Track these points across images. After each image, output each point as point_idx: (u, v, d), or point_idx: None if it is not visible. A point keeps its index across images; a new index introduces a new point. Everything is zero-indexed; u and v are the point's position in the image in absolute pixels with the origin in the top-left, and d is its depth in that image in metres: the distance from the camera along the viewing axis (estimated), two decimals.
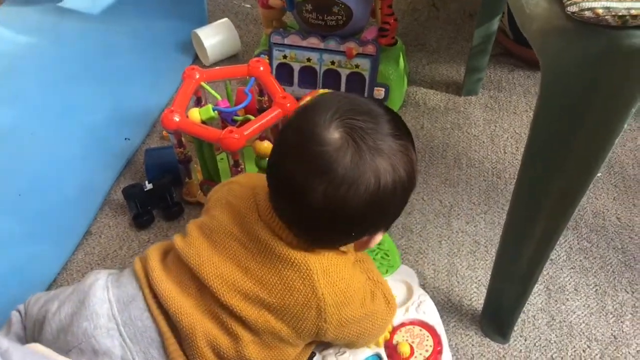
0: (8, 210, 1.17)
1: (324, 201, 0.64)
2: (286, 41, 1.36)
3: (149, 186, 1.15)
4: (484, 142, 1.31)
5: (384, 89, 1.35)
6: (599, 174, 1.23)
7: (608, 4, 0.59)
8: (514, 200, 0.81)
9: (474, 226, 1.15)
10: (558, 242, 1.10)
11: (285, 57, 1.37)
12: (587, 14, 0.60)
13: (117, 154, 1.29)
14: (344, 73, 1.36)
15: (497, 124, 1.36)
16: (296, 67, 1.38)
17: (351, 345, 0.83)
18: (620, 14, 0.59)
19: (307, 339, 0.75)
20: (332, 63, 1.35)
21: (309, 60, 1.37)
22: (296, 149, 0.66)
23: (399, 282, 0.98)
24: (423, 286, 1.04)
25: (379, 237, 0.74)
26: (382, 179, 0.65)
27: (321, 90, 1.22)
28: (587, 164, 0.70)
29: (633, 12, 0.59)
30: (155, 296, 0.73)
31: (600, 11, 0.59)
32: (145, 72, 1.50)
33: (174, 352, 0.71)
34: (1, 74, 1.51)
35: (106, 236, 1.16)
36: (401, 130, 0.69)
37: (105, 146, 1.31)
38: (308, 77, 1.38)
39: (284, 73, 1.40)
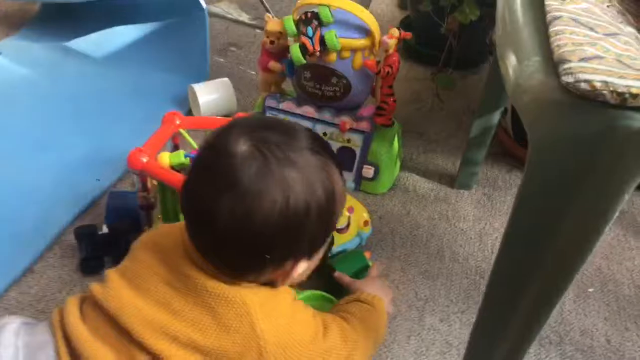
0: None
1: (230, 218, 0.60)
2: (281, 106, 1.32)
3: (104, 230, 1.07)
4: (471, 238, 1.23)
5: (373, 168, 1.29)
6: (590, 289, 1.13)
7: (607, 79, 0.53)
8: (486, 298, 0.72)
9: (448, 325, 1.04)
10: (538, 357, 1.00)
11: None
12: (583, 86, 0.54)
13: (83, 194, 1.22)
14: (335, 146, 1.31)
15: (487, 222, 1.28)
16: None
17: None
18: (619, 90, 0.53)
19: None
20: (324, 134, 1.30)
21: None
22: (203, 166, 0.64)
23: None
24: None
25: (301, 267, 0.67)
26: (292, 194, 0.60)
27: None
28: (571, 258, 0.62)
29: (633, 90, 0.53)
30: (69, 344, 0.65)
31: (597, 84, 0.53)
32: (134, 118, 1.46)
33: None
34: None
35: (48, 277, 1.06)
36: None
37: (73, 184, 1.25)
38: None
39: None
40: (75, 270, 1.07)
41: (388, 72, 1.22)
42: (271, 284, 0.69)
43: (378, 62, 1.23)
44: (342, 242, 1.10)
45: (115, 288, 0.67)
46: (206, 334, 0.63)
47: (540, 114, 0.59)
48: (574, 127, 0.56)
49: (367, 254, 1.08)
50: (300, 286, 0.96)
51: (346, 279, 0.97)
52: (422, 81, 1.71)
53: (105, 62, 1.68)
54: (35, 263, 1.08)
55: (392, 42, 1.19)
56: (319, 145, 0.65)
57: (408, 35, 1.20)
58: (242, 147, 0.61)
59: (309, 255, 0.68)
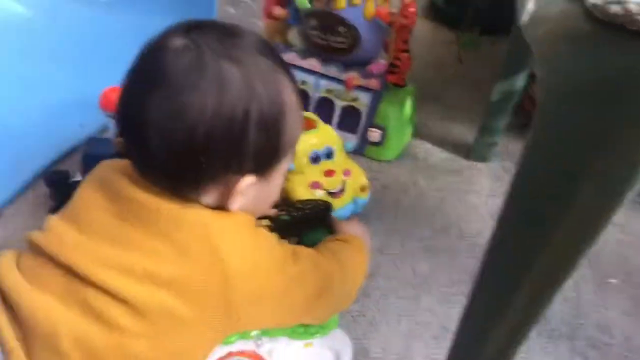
0: None
1: (159, 117, 0.53)
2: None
3: (78, 177, 0.98)
4: (482, 215, 1.11)
5: (380, 132, 1.17)
6: (613, 280, 1.00)
7: None
8: (480, 277, 0.61)
9: (447, 308, 0.93)
10: (544, 351, 0.88)
11: None
12: (615, 8, 0.42)
13: (64, 138, 1.14)
14: (339, 104, 1.19)
15: (502, 198, 1.15)
16: None
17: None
18: None
19: (220, 327, 0.58)
20: (329, 91, 1.19)
21: (303, 83, 1.20)
22: (135, 67, 0.57)
23: (325, 349, 0.77)
24: None
25: (247, 184, 0.58)
26: (228, 93, 0.54)
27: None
28: (584, 233, 0.50)
29: None
30: (4, 300, 0.58)
31: (633, 7, 0.41)
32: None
33: None
34: None
35: (15, 223, 0.98)
36: (271, 52, 0.59)
37: (56, 127, 1.16)
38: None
39: None
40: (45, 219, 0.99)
41: (403, 24, 1.09)
42: (221, 208, 0.60)
43: (392, 13, 1.10)
44: (337, 206, 0.99)
45: (56, 230, 0.60)
46: (164, 263, 0.55)
47: (557, 49, 0.47)
48: (601, 64, 0.44)
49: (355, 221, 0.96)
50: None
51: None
52: (447, 45, 1.58)
53: (108, 6, 1.59)
54: (5, 207, 1.01)
55: None
56: (269, 49, 0.59)
57: None
58: (177, 41, 0.55)
59: (256, 172, 0.59)
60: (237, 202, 0.60)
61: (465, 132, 1.31)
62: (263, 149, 0.58)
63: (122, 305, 0.55)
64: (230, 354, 0.74)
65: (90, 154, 1.02)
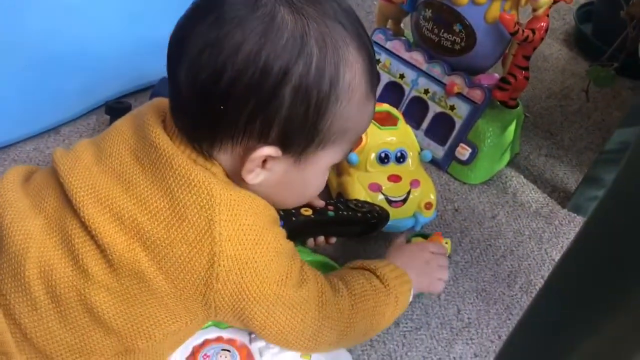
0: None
1: (193, 48, 0.48)
2: (387, 45, 1.10)
3: None
4: None
5: (470, 150, 1.04)
6: None
7: None
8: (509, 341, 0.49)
9: None
10: None
11: (378, 61, 1.11)
12: None
13: (143, 75, 1.11)
14: (433, 109, 1.07)
15: None
16: (384, 78, 1.12)
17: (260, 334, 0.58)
18: None
19: (191, 308, 0.52)
20: (426, 92, 1.07)
21: (401, 77, 1.09)
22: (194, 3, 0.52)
23: None
24: None
25: (266, 154, 0.51)
26: (271, 39, 0.47)
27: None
28: None
29: None
30: None
31: None
32: None
33: None
34: None
35: (69, 142, 0.97)
36: (353, 26, 0.51)
37: (138, 62, 1.13)
38: (393, 94, 1.11)
39: None
40: None
41: (527, 38, 0.95)
42: (236, 175, 0.53)
43: (519, 23, 0.96)
44: (393, 217, 0.88)
45: (77, 150, 0.57)
46: (155, 218, 0.50)
47: None
48: None
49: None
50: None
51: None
52: (579, 78, 1.39)
53: None
54: (65, 124, 0.99)
55: (544, 0, 0.92)
56: (351, 20, 0.52)
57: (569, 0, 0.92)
58: None
59: (283, 148, 0.51)
60: (256, 175, 0.52)
61: (570, 178, 1.13)
62: (297, 123, 0.50)
63: (98, 251, 0.50)
64: (219, 339, 0.67)
65: (157, 92, 0.98)
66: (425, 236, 0.83)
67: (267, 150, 0.50)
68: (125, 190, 0.51)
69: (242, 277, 0.50)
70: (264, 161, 0.52)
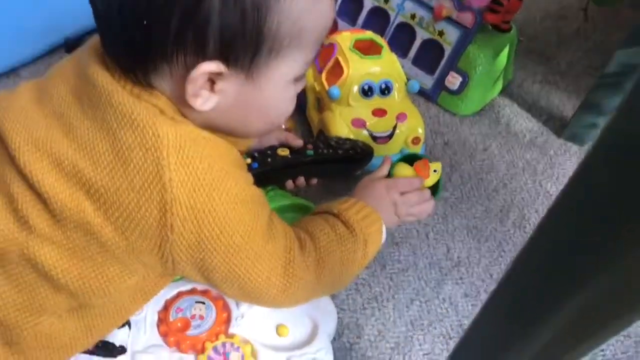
0: None
1: None
2: None
3: None
4: None
5: (461, 79, 0.98)
6: None
7: None
8: (502, 285, 0.45)
9: (472, 304, 0.77)
10: None
11: None
12: None
13: None
14: (421, 35, 1.00)
15: None
16: (367, 4, 1.04)
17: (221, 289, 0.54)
18: None
19: (147, 261, 0.48)
20: (412, 17, 0.99)
21: (386, 1, 1.01)
22: None
23: (304, 316, 0.64)
24: (337, 344, 0.69)
25: (206, 67, 0.44)
26: None
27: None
28: None
29: None
30: None
31: None
32: None
33: None
34: None
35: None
36: None
37: None
38: (377, 21, 1.03)
39: (350, 7, 1.06)
40: None
41: None
42: (185, 105, 0.47)
43: None
44: (378, 153, 0.83)
45: (17, 91, 0.51)
46: (98, 164, 0.45)
47: None
48: None
49: None
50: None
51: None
52: None
53: None
54: (25, 67, 0.92)
55: None
56: None
57: None
58: None
59: (223, 60, 0.45)
60: (204, 100, 0.46)
61: (566, 104, 1.08)
62: (235, 29, 0.43)
63: (39, 201, 0.45)
64: (193, 291, 0.64)
65: None
66: (411, 161, 0.76)
67: (207, 66, 0.44)
68: (66, 134, 0.46)
69: (199, 227, 0.45)
70: (213, 83, 0.46)
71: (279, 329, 0.63)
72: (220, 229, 0.46)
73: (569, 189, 0.40)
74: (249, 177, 0.51)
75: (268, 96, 0.49)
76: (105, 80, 0.45)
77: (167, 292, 0.63)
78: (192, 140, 0.45)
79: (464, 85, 0.98)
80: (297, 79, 0.50)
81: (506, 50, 1.00)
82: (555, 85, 1.11)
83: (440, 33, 0.97)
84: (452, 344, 0.72)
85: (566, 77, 1.13)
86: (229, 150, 0.49)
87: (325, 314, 0.66)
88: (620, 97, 0.90)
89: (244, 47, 0.45)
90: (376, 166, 0.79)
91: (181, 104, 0.46)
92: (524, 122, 1.03)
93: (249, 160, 0.68)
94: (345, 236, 0.58)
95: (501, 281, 0.47)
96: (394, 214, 0.65)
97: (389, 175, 0.71)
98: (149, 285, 0.52)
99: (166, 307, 0.62)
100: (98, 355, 0.58)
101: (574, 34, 1.23)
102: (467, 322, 0.74)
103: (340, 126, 0.83)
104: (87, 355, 0.58)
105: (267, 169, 0.69)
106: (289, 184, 0.73)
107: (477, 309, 0.75)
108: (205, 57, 0.44)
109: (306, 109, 0.94)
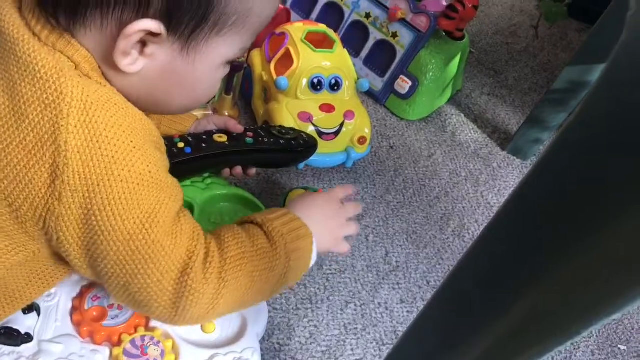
0: None
1: None
2: None
3: None
4: None
5: (410, 83, 0.96)
6: (623, 347, 0.81)
7: None
8: (441, 291, 0.42)
9: (407, 311, 0.75)
10: None
11: None
12: None
13: None
14: (374, 36, 0.98)
15: None
16: None
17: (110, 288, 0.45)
18: None
19: (34, 235, 0.42)
20: (367, 16, 0.97)
21: None
22: None
23: (235, 315, 0.60)
24: (266, 344, 0.66)
25: (143, 24, 0.39)
26: None
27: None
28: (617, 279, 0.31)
29: None
30: None
31: None
32: None
33: None
34: None
35: None
36: None
37: None
38: (331, 16, 1.01)
39: (306, 0, 1.03)
40: None
41: None
42: (109, 63, 0.42)
43: None
44: (323, 150, 0.80)
45: None
46: None
47: None
48: None
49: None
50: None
51: None
52: (528, 16, 1.33)
53: None
54: None
55: None
56: None
57: None
58: None
59: (164, 22, 0.40)
60: (132, 61, 0.41)
61: (511, 119, 1.09)
62: None
63: None
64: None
65: None
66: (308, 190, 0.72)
67: (148, 24, 0.39)
68: None
69: (89, 202, 0.40)
70: (144, 45, 0.41)
71: (204, 324, 0.59)
72: (113, 208, 0.40)
73: (511, 200, 0.38)
74: (164, 162, 0.45)
75: (199, 73, 0.45)
76: (13, 26, 0.40)
77: (84, 278, 0.58)
78: (101, 104, 0.40)
79: (413, 90, 0.97)
80: (229, 63, 0.47)
81: (457, 59, 0.99)
82: (502, 99, 1.12)
83: (394, 35, 0.96)
84: (385, 350, 0.69)
85: (513, 92, 1.14)
86: (144, 125, 0.43)
87: (255, 312, 0.62)
88: (565, 114, 0.91)
89: (191, 13, 0.40)
90: (317, 162, 0.76)
91: (103, 63, 0.41)
92: (469, 133, 1.03)
93: (181, 145, 0.63)
94: (263, 250, 0.50)
95: (439, 290, 0.45)
96: (328, 229, 0.57)
97: (284, 200, 0.69)
98: (48, 268, 0.47)
99: (82, 294, 0.57)
100: None
101: (523, 51, 1.24)
102: (401, 329, 0.72)
103: (287, 118, 0.80)
104: None
105: (200, 154, 0.64)
106: (226, 172, 0.68)
107: (412, 316, 0.74)
108: (146, 15, 0.39)
109: (252, 98, 0.90)
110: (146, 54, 0.41)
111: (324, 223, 0.57)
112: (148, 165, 0.42)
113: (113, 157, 0.40)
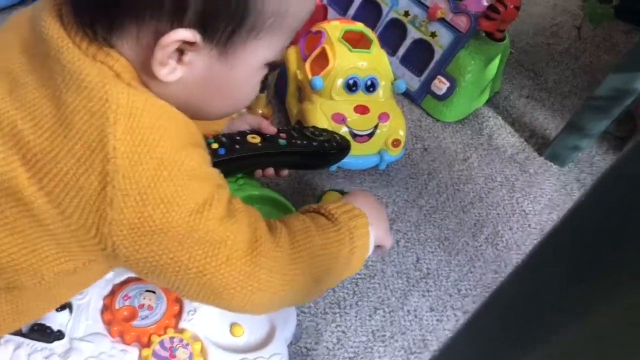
0: None
1: None
2: None
3: None
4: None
5: (448, 84, 0.94)
6: None
7: None
8: (482, 311, 0.41)
9: (437, 319, 0.74)
10: None
11: None
12: None
13: None
14: (412, 35, 0.96)
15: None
16: None
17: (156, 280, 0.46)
18: None
19: (86, 245, 0.42)
20: (406, 14, 0.96)
21: None
22: None
23: (262, 317, 0.60)
24: (294, 348, 0.65)
25: (180, 35, 0.39)
26: None
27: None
28: None
29: None
30: None
31: None
32: None
33: None
34: None
35: None
36: None
37: None
38: (368, 13, 1.00)
39: None
40: None
41: None
42: (148, 73, 0.42)
43: None
44: (356, 152, 0.79)
45: None
46: (39, 126, 0.40)
47: None
48: None
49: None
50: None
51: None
52: (572, 16, 1.29)
53: None
54: None
55: None
56: None
57: None
58: None
59: (200, 29, 0.40)
60: (171, 70, 0.41)
61: (550, 123, 1.06)
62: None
63: None
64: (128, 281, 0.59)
65: None
66: (343, 192, 0.71)
67: (182, 34, 0.39)
68: (10, 92, 0.41)
69: (143, 204, 0.40)
70: (181, 54, 0.41)
71: (233, 328, 0.59)
72: (168, 206, 0.40)
73: (561, 225, 0.37)
74: (207, 157, 0.45)
75: (238, 78, 0.45)
76: (57, 35, 0.40)
77: (116, 277, 0.59)
78: (145, 109, 0.40)
79: (450, 91, 0.95)
80: (269, 65, 0.46)
81: (497, 60, 0.97)
82: (541, 102, 1.09)
83: (433, 34, 0.94)
84: (414, 359, 0.69)
85: (552, 94, 1.11)
86: (187, 125, 0.43)
87: (284, 317, 0.61)
88: (607, 121, 0.88)
89: (226, 18, 0.40)
90: (349, 164, 0.75)
91: (142, 72, 0.42)
92: (506, 136, 1.01)
93: (215, 145, 0.63)
94: (325, 226, 0.51)
95: (481, 306, 0.43)
96: (381, 216, 0.58)
97: (318, 201, 0.68)
98: (87, 273, 0.47)
99: (113, 292, 0.58)
100: (31, 339, 0.53)
101: (564, 52, 1.21)
102: (430, 338, 0.71)
103: (320, 119, 0.79)
104: (20, 338, 0.53)
105: (234, 156, 0.63)
106: (258, 173, 0.68)
107: (442, 325, 0.73)
108: (181, 24, 0.39)
109: (286, 96, 0.89)
110: (184, 62, 0.41)
111: (375, 213, 0.57)
112: (193, 161, 0.42)
113: (161, 158, 0.40)
